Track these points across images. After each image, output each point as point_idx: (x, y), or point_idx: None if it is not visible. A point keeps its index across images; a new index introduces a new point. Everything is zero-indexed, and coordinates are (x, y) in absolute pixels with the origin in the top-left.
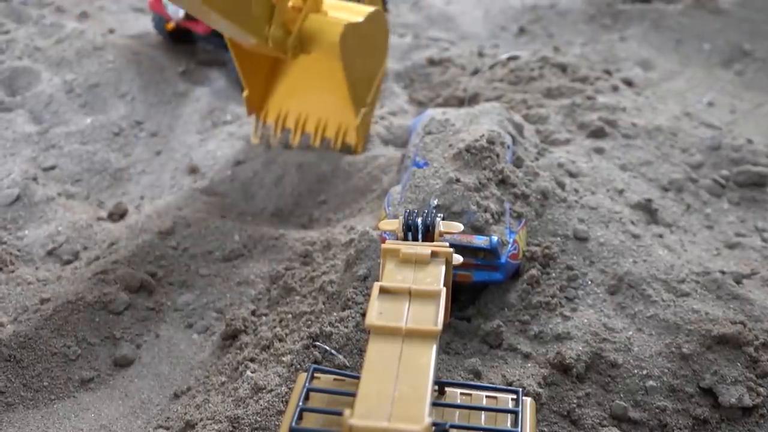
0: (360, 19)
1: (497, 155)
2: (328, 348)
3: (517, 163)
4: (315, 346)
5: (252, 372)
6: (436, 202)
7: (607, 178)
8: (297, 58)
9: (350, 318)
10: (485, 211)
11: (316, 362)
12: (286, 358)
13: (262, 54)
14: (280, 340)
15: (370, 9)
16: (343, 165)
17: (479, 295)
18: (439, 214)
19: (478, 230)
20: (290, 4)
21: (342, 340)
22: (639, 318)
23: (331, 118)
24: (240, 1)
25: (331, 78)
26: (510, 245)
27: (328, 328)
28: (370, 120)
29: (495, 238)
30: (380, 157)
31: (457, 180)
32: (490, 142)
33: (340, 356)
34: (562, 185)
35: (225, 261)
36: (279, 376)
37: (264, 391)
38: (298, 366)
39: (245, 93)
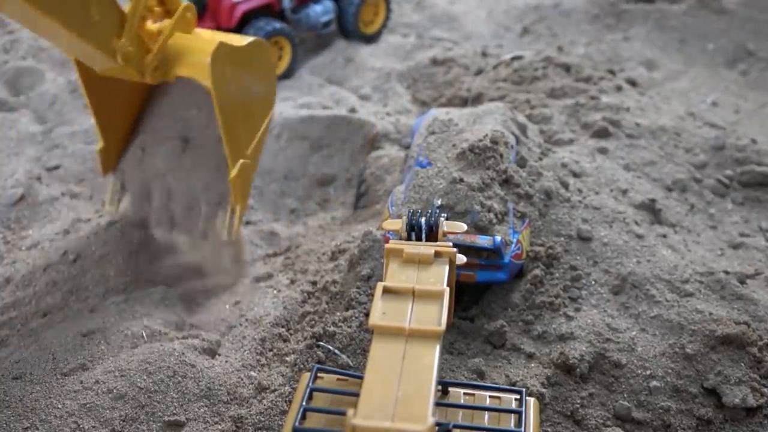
0: (239, 43)
1: (501, 155)
2: (331, 348)
3: (521, 163)
4: (318, 346)
5: (256, 372)
6: (439, 202)
7: (610, 178)
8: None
9: (354, 318)
10: (489, 211)
11: (319, 362)
12: (290, 358)
13: (121, 93)
14: (285, 341)
15: (251, 38)
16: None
17: (482, 295)
18: (442, 214)
19: (481, 230)
20: (150, 24)
21: (345, 339)
22: (643, 318)
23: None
24: (75, 2)
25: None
26: (513, 245)
27: (332, 328)
28: (251, 177)
29: (498, 238)
30: (384, 157)
31: (461, 180)
32: (494, 142)
33: (344, 356)
34: (565, 185)
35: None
36: (282, 375)
37: (267, 390)
38: (302, 366)
39: (99, 145)
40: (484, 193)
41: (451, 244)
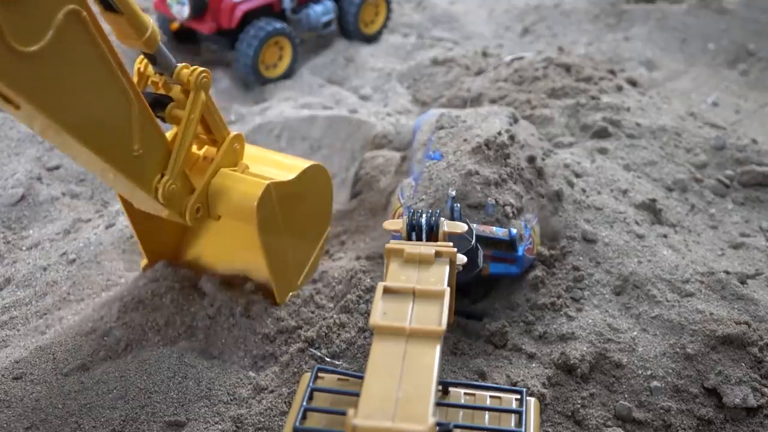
0: (290, 176)
1: (515, 152)
2: (320, 354)
3: (529, 161)
4: (311, 354)
5: (254, 372)
6: (453, 193)
7: (611, 178)
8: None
9: (352, 324)
10: (504, 205)
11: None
12: (284, 358)
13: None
14: (280, 341)
15: (306, 164)
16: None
17: (492, 289)
18: (456, 205)
19: (495, 223)
20: (201, 152)
21: (344, 344)
22: (643, 318)
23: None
24: (115, 129)
25: (255, 242)
26: (526, 240)
27: (326, 332)
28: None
29: (514, 231)
30: (378, 158)
31: (476, 173)
32: (511, 138)
33: (338, 362)
34: (571, 185)
35: None
36: (278, 377)
37: (266, 391)
38: (296, 368)
39: (143, 262)
40: (499, 187)
41: (451, 244)
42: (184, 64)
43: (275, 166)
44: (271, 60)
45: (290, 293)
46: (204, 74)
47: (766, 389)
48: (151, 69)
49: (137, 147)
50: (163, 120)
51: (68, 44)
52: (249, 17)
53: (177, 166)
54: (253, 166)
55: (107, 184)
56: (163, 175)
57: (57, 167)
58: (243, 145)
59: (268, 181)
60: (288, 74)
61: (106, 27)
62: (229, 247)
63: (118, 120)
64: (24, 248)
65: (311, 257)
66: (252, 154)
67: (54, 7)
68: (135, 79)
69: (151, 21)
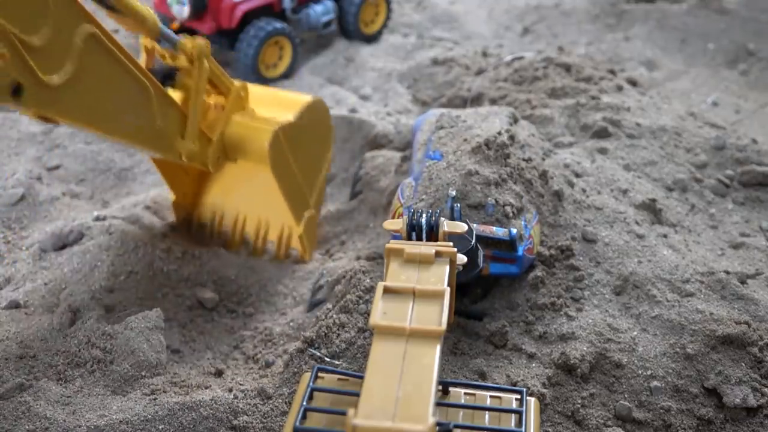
0: (291, 116)
1: (515, 152)
2: (319, 354)
3: (529, 162)
4: (311, 354)
5: (255, 373)
6: (454, 192)
7: (611, 178)
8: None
9: (352, 324)
10: (504, 205)
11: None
12: (284, 358)
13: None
14: (279, 342)
15: (305, 99)
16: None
17: (492, 289)
18: (456, 204)
19: (495, 223)
20: (211, 101)
21: (344, 344)
22: (644, 318)
23: (272, 220)
24: (139, 115)
25: (269, 178)
26: (526, 240)
27: (326, 332)
28: (316, 223)
29: (514, 231)
30: (379, 157)
31: (476, 173)
32: (511, 138)
33: (337, 362)
34: (571, 185)
35: None
36: (280, 378)
37: (267, 393)
38: (296, 369)
39: (172, 198)
40: (499, 187)
41: (451, 243)
42: (184, 36)
43: (278, 105)
44: (271, 60)
45: (305, 216)
46: (203, 43)
47: (766, 389)
48: (157, 45)
49: (159, 122)
50: (173, 87)
51: (92, 65)
52: (249, 17)
53: (194, 129)
54: (259, 108)
55: (138, 149)
56: (182, 138)
57: (57, 167)
58: (248, 93)
59: (275, 126)
60: (288, 74)
61: (111, 24)
62: (247, 191)
63: (142, 108)
64: (24, 248)
65: (319, 177)
66: (257, 94)
67: (72, 35)
68: (144, 56)
69: (149, 11)
